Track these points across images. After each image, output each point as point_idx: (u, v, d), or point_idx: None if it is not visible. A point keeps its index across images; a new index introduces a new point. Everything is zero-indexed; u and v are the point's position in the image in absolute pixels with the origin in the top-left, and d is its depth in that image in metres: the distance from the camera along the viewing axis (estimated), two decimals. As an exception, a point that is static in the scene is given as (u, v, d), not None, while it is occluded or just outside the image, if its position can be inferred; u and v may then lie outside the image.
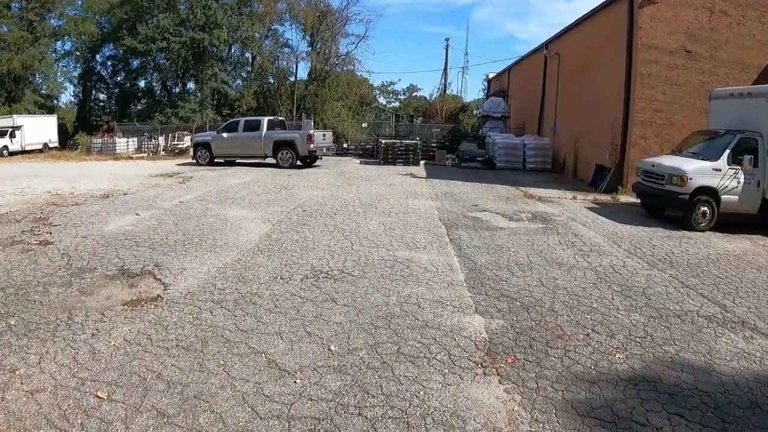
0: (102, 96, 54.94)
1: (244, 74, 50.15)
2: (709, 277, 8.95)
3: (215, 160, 25.34)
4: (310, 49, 47.39)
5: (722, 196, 13.19)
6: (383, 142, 27.50)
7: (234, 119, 28.13)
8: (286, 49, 48.96)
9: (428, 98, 61.03)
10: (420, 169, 23.72)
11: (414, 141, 27.86)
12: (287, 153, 23.83)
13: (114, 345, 5.55)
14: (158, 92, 50.78)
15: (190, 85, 49.14)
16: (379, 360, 5.39)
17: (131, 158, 32.99)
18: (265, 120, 24.98)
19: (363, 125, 41.01)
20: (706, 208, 13.13)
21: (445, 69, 56.58)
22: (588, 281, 8.28)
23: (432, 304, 6.92)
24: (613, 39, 19.56)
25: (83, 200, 14.18)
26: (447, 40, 75.58)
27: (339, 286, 7.53)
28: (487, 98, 40.31)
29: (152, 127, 39.45)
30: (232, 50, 49.78)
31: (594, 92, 21.16)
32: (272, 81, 48.16)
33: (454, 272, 8.36)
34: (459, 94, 59.70)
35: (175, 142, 36.60)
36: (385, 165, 25.72)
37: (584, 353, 5.76)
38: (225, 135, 25.00)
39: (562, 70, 25.28)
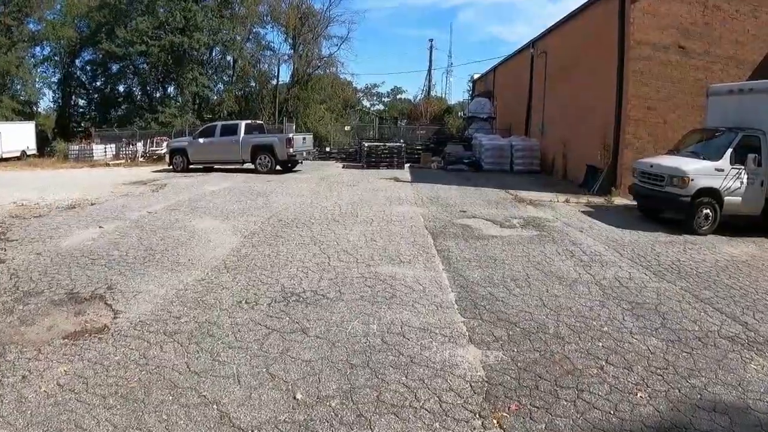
0: (82, 101, 53.51)
1: (225, 78, 49.02)
2: (722, 288, 8.07)
3: (191, 166, 24.06)
4: (292, 51, 46.33)
5: (725, 198, 12.36)
6: (366, 145, 26.45)
7: (210, 124, 26.84)
8: (268, 52, 47.88)
9: (413, 100, 60.18)
10: (405, 173, 22.71)
11: (398, 143, 26.83)
12: (266, 158, 22.75)
13: (44, 391, 4.63)
14: (139, 97, 49.54)
15: (171, 89, 48.06)
16: (355, 412, 4.39)
17: (108, 165, 31.80)
18: (243, 124, 23.95)
19: (346, 128, 39.88)
20: (708, 211, 12.28)
21: (429, 70, 55.90)
22: (594, 298, 7.32)
23: (419, 333, 5.93)
24: (603, 35, 18.68)
25: (48, 211, 13.13)
26: (431, 41, 74.64)
27: (311, 312, 6.51)
28: (472, 99, 39.39)
29: (131, 133, 38.24)
30: (213, 53, 48.67)
31: (584, 91, 20.28)
32: (254, 84, 46.99)
33: (443, 291, 7.37)
34: (443, 96, 58.93)
35: (154, 148, 35.35)
36: (368, 169, 24.66)
37: (600, 393, 4.81)
38: (201, 140, 23.85)
39: (550, 68, 24.40)
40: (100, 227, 11.30)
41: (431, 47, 59.32)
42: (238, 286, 7.48)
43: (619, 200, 16.24)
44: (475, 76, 44.14)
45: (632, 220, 13.32)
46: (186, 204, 14.28)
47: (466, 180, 20.73)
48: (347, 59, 63.09)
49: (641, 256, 9.75)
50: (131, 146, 36.21)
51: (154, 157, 33.77)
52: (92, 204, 14.29)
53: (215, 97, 47.11)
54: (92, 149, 36.23)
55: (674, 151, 13.91)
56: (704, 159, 12.58)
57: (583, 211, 14.21)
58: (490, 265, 8.67)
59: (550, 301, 7.08)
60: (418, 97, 58.04)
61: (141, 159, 34.35)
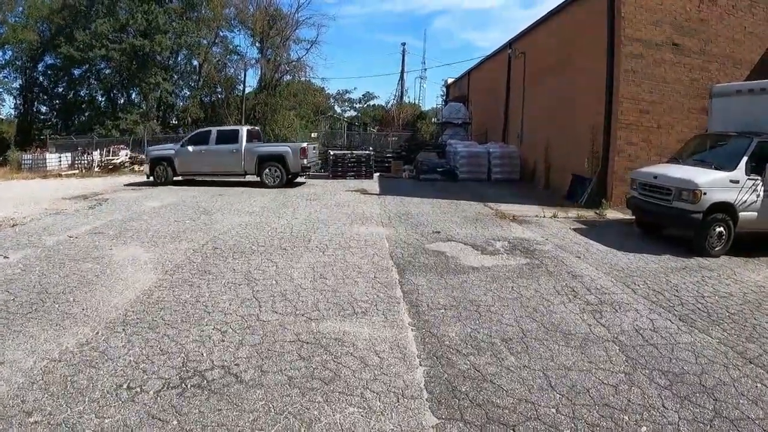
0: (44, 108, 50.47)
1: (192, 84, 46.43)
2: (766, 337, 6.06)
3: (177, 178, 20.86)
4: (260, 55, 43.94)
5: (740, 213, 10.40)
6: (332, 153, 24.12)
7: (202, 129, 22.86)
8: (235, 57, 45.44)
9: (385, 106, 57.89)
10: (373, 184, 20.41)
11: (366, 151, 24.54)
12: (275, 170, 19.64)
13: None
14: (103, 103, 46.80)
15: (135, 95, 45.33)
16: None
17: (60, 176, 29.13)
18: (244, 130, 20.68)
19: (312, 135, 37.42)
20: (721, 229, 10.36)
21: (402, 74, 53.60)
22: (617, 369, 5.18)
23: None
24: (591, 31, 16.73)
25: (-49, 236, 10.73)
26: (403, 44, 72.10)
27: (211, 410, 4.27)
28: (446, 104, 37.26)
29: (87, 141, 35.53)
30: (179, 58, 46.15)
31: (568, 93, 18.28)
32: (220, 90, 44.48)
33: (407, 365, 5.15)
34: (417, 103, 56.71)
35: (110, 157, 32.69)
36: (334, 179, 22.35)
37: None
38: (191, 148, 20.38)
39: (530, 70, 22.39)
40: (4, 258, 8.98)
41: (403, 51, 57.08)
42: (127, 358, 5.21)
43: (611, 214, 14.24)
44: (449, 81, 42.09)
45: (632, 239, 11.31)
46: (116, 225, 11.93)
47: (440, 192, 18.57)
48: (317, 63, 60.63)
49: (657, 292, 7.66)
50: (87, 155, 33.55)
51: (110, 167, 31.18)
52: (14, 225, 11.91)
53: (181, 104, 44.64)
54: (45, 159, 33.60)
55: (677, 159, 11.93)
56: (716, 168, 10.61)
57: (574, 229, 12.14)
58: (471, 315, 6.47)
59: (559, 380, 4.90)
60: (391, 103, 55.92)
61: (97, 169, 31.73)
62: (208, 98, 45.21)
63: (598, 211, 14.44)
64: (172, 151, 20.87)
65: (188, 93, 45.54)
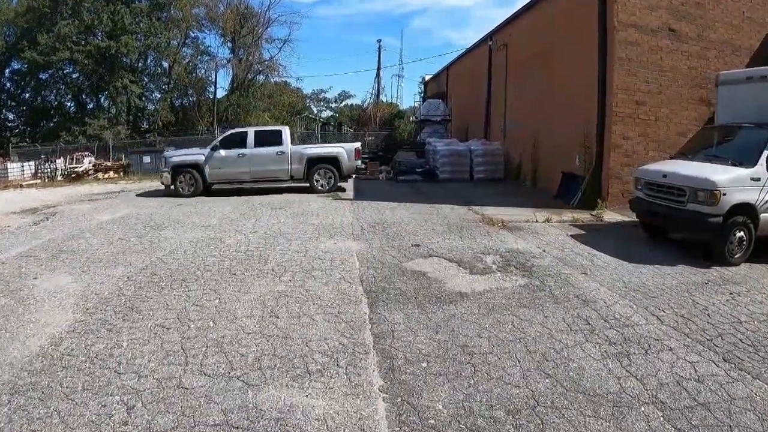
0: (11, 115, 48.10)
1: (164, 87, 44.39)
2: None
3: (211, 187, 18.14)
4: (231, 55, 42.05)
5: (761, 215, 8.96)
6: (306, 155, 22.30)
7: (236, 130, 19.74)
8: (206, 57, 43.45)
9: (362, 105, 55.99)
10: (348, 186, 18.70)
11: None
12: (328, 173, 17.78)
13: None
14: (71, 109, 44.60)
15: (105, 100, 43.18)
16: None
17: (21, 186, 27.08)
18: (287, 130, 18.48)
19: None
20: (742, 233, 8.91)
21: (378, 72, 51.85)
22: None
23: None
24: (580, 18, 15.23)
25: None
26: (379, 41, 70.68)
27: None
28: (424, 102, 35.62)
29: (51, 149, 33.50)
30: (148, 60, 44.10)
31: (555, 85, 16.76)
32: (191, 92, 42.51)
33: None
34: (395, 101, 54.90)
35: (73, 165, 30.67)
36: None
37: None
38: (224, 153, 17.57)
39: (513, 62, 20.85)
40: None
41: (379, 47, 55.44)
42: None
43: (609, 215, 12.76)
44: (427, 78, 40.45)
45: (638, 246, 9.84)
46: (53, 246, 10.19)
47: (419, 194, 16.96)
48: (290, 63, 58.38)
49: (687, 320, 6.16)
50: (50, 164, 31.55)
51: (73, 175, 29.21)
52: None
53: (152, 108, 42.61)
54: (6, 168, 31.57)
55: (685, 155, 10.45)
56: (733, 164, 9.16)
57: (573, 236, 10.60)
58: (463, 370, 4.85)
59: (598, 487, 3.32)
60: (367, 102, 54.09)
61: (60, 178, 29.76)
62: (179, 101, 43.26)
63: (594, 213, 12.95)
64: (201, 157, 17.69)
65: (159, 96, 43.59)
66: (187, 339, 5.55)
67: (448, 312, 6.23)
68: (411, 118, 43.24)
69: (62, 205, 16.55)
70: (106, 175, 29.06)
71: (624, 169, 13.72)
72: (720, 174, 8.88)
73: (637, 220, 11.06)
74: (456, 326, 5.82)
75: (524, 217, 12.59)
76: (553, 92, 16.95)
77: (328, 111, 59.80)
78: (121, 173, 29.51)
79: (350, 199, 15.84)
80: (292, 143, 18.13)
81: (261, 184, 18.16)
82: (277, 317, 6.11)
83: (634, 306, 6.58)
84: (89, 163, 30.71)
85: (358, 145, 18.83)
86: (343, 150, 18.05)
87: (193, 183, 17.48)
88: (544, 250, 9.27)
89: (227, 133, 18.86)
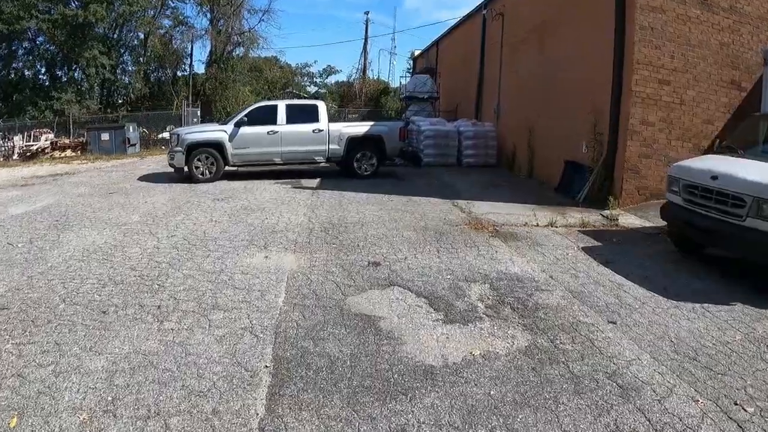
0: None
1: (140, 59, 40.96)
2: None
3: (231, 168, 15.15)
4: (209, 26, 38.69)
5: None
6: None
7: (263, 103, 16.70)
8: (183, 27, 39.97)
9: (347, 80, 52.54)
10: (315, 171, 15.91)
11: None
12: (370, 155, 15.15)
13: None
14: (46, 83, 41.04)
15: (78, 73, 39.71)
16: None
17: (-29, 169, 24.03)
18: (323, 105, 15.66)
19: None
20: (820, 261, 6.30)
21: (365, 46, 48.36)
22: None
23: None
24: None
25: None
26: (367, 13, 66.54)
27: None
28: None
29: (10, 126, 30.26)
30: (123, 31, 40.59)
31: (561, 59, 14.00)
32: (167, 65, 39.20)
33: None
34: (386, 80, 51.39)
35: (30, 143, 27.49)
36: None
37: None
38: (249, 130, 14.43)
39: (510, 33, 18.01)
40: None
41: (367, 20, 51.86)
42: None
43: (625, 218, 10.14)
44: (416, 53, 37.40)
45: (673, 268, 7.23)
46: None
47: (396, 183, 14.20)
48: (270, 34, 54.58)
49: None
50: (8, 141, 28.35)
51: (28, 154, 26.09)
52: None
53: (126, 81, 39.28)
54: (-39, 148, 28.44)
55: (733, 149, 7.79)
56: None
57: (585, 249, 7.98)
58: None
59: None
60: (353, 77, 50.68)
61: (15, 157, 26.62)
62: (155, 74, 40.02)
63: (605, 214, 10.36)
64: (223, 134, 14.45)
65: (134, 69, 40.24)
66: None
67: (397, 422, 3.57)
68: (400, 94, 40.31)
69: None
70: (63, 154, 26.02)
71: (642, 161, 11.12)
72: (798, 179, 6.26)
73: (660, 225, 8.55)
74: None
75: (521, 217, 9.96)
76: (556, 68, 14.19)
77: (312, 86, 56.45)
78: (79, 152, 26.44)
79: (312, 188, 13.05)
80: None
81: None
82: (115, 417, 3.44)
83: (698, 394, 4.00)
84: (45, 140, 27.57)
85: (402, 124, 16.27)
86: (387, 128, 15.48)
87: (213, 165, 14.31)
88: (551, 276, 6.63)
89: (253, 107, 15.48)
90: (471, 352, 4.54)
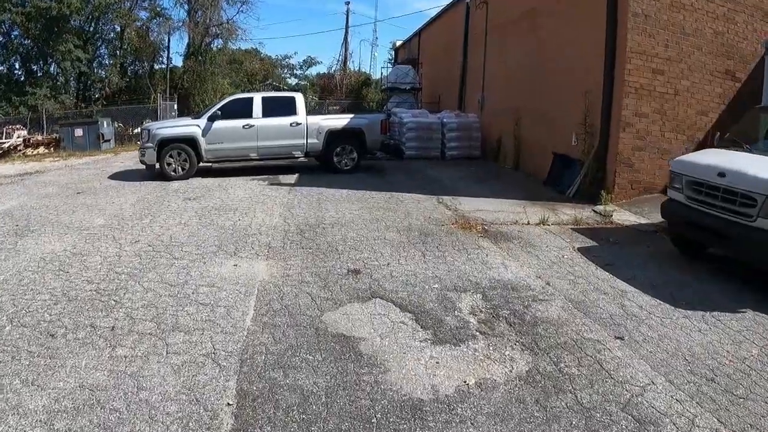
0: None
1: (117, 52, 39.73)
2: None
3: (203, 164, 14.25)
4: (187, 18, 37.61)
5: None
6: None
7: (237, 96, 15.81)
8: (160, 19, 38.77)
9: (328, 71, 51.56)
10: (294, 167, 15.20)
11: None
12: (350, 148, 14.46)
13: None
14: (21, 77, 39.72)
15: (54, 68, 38.46)
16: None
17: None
18: (301, 98, 14.83)
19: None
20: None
21: (346, 37, 47.51)
22: None
23: None
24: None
25: None
26: (348, 3, 65.42)
27: None
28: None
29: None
30: (99, 23, 39.35)
31: (549, 47, 13.45)
32: (144, 57, 38.08)
33: None
34: (368, 72, 50.52)
35: (2, 140, 26.37)
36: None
37: None
38: (223, 124, 13.63)
39: (495, 21, 17.43)
40: None
41: (347, 10, 51.00)
42: None
43: (619, 214, 9.66)
44: (398, 43, 36.68)
45: (677, 271, 6.72)
46: None
47: (378, 178, 13.59)
48: (249, 26, 53.35)
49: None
50: (-21, 139, 27.25)
51: (0, 152, 25.05)
52: None
53: (103, 74, 38.12)
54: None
55: (737, 143, 7.28)
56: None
57: (581, 250, 7.46)
58: None
59: None
60: (334, 68, 49.72)
61: (-14, 157, 25.56)
62: (132, 67, 38.91)
63: (599, 210, 9.89)
64: (196, 129, 13.62)
65: (110, 63, 39.06)
66: None
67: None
68: (381, 85, 39.60)
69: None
70: (36, 151, 25.02)
71: (635, 154, 10.64)
72: (814, 176, 5.76)
73: (656, 222, 8.10)
74: None
75: (511, 215, 9.43)
76: (544, 58, 13.64)
77: (293, 78, 55.38)
78: (52, 149, 25.47)
79: (290, 185, 12.39)
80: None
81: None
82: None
83: (722, 426, 3.50)
84: (18, 137, 26.53)
85: (383, 116, 15.69)
86: (367, 121, 14.79)
87: (186, 161, 13.54)
88: (548, 283, 6.08)
89: (227, 100, 14.74)
90: (465, 381, 3.97)
